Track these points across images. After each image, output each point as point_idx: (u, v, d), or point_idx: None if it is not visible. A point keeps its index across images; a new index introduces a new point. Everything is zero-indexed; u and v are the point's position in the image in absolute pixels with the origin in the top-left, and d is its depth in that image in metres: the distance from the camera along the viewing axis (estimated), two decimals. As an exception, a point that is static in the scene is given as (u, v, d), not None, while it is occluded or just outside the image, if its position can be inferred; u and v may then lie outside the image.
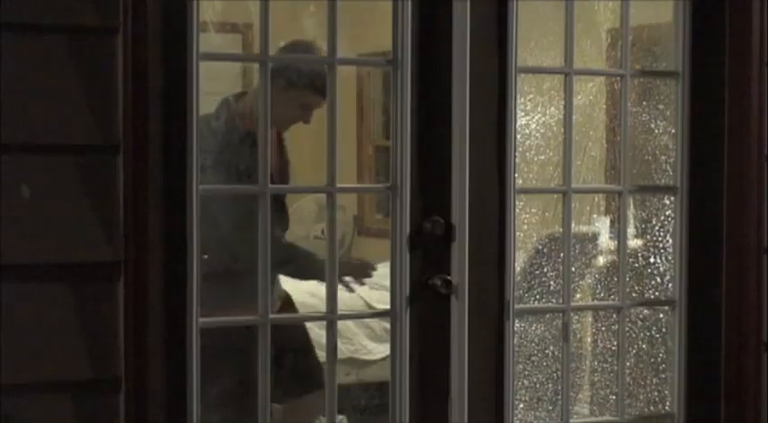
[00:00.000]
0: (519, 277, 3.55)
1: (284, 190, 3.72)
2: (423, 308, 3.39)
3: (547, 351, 3.64)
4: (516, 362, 3.51)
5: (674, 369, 3.71)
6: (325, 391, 3.32)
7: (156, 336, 3.01)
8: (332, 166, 3.30)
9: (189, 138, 3.06)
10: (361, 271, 4.40)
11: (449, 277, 3.38)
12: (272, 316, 3.27)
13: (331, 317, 3.33)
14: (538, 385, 3.63)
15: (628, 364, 3.72)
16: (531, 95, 3.57)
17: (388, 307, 3.40)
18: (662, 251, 3.77)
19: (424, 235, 3.37)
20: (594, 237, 4.67)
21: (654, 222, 3.79)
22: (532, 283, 3.63)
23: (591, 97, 4.04)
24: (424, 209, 3.38)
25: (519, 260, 3.52)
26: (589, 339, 3.87)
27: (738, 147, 3.62)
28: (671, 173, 3.73)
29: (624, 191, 3.66)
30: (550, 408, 3.63)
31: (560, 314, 3.61)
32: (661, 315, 3.78)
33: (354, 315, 4.63)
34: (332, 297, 3.32)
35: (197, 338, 3.07)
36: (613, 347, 3.72)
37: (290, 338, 4.14)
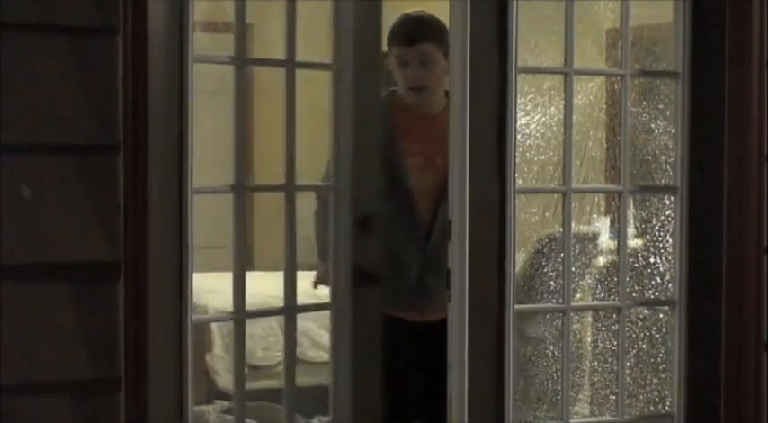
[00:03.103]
0: (519, 277, 3.55)
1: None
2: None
3: (547, 351, 3.63)
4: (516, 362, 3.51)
5: (674, 369, 3.71)
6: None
7: (156, 336, 3.01)
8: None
9: (184, 138, 3.05)
10: None
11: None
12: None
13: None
14: (538, 385, 3.63)
15: (628, 364, 3.72)
16: (531, 95, 3.56)
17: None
18: (662, 251, 3.76)
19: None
20: (594, 237, 4.66)
21: (654, 222, 3.79)
22: (532, 283, 3.63)
23: (591, 97, 4.04)
24: (424, 209, 3.38)
25: (519, 260, 3.51)
26: (589, 339, 3.87)
27: (738, 147, 3.62)
28: (671, 173, 3.73)
29: (624, 191, 3.65)
30: (550, 408, 3.63)
31: (560, 314, 3.61)
32: (661, 315, 3.78)
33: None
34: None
35: (190, 335, 3.06)
36: (613, 347, 3.72)
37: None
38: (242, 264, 3.19)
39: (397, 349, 4.03)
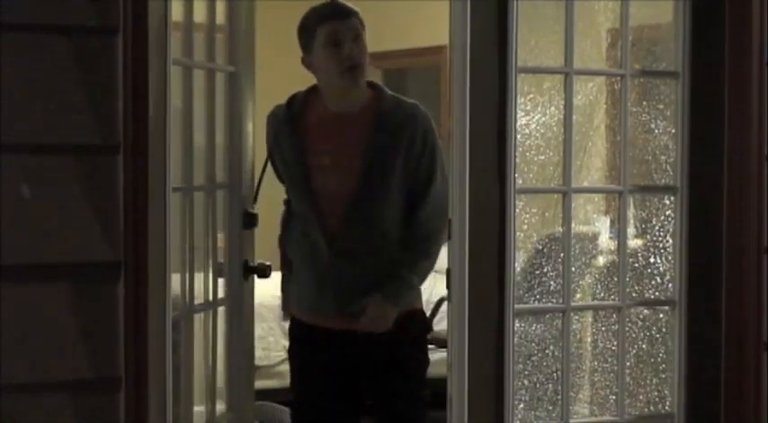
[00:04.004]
0: (519, 277, 3.54)
1: (199, 188, 3.69)
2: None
3: (547, 351, 3.63)
4: (516, 362, 3.51)
5: (674, 369, 3.71)
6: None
7: (155, 336, 3.01)
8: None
9: (167, 137, 3.05)
10: None
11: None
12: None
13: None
14: (538, 385, 3.63)
15: (628, 364, 3.72)
16: (531, 95, 3.56)
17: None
18: (662, 251, 3.76)
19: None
20: (594, 237, 4.66)
21: (654, 222, 3.79)
22: (532, 283, 3.63)
23: (591, 97, 4.03)
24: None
25: (519, 260, 3.51)
26: (589, 339, 3.86)
27: (738, 147, 3.62)
28: (671, 173, 3.73)
29: (624, 191, 3.65)
30: (550, 408, 3.62)
31: (560, 314, 3.61)
32: (661, 315, 3.78)
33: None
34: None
35: (169, 334, 3.07)
36: (613, 347, 3.72)
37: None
38: (190, 263, 3.33)
39: (314, 357, 3.91)
